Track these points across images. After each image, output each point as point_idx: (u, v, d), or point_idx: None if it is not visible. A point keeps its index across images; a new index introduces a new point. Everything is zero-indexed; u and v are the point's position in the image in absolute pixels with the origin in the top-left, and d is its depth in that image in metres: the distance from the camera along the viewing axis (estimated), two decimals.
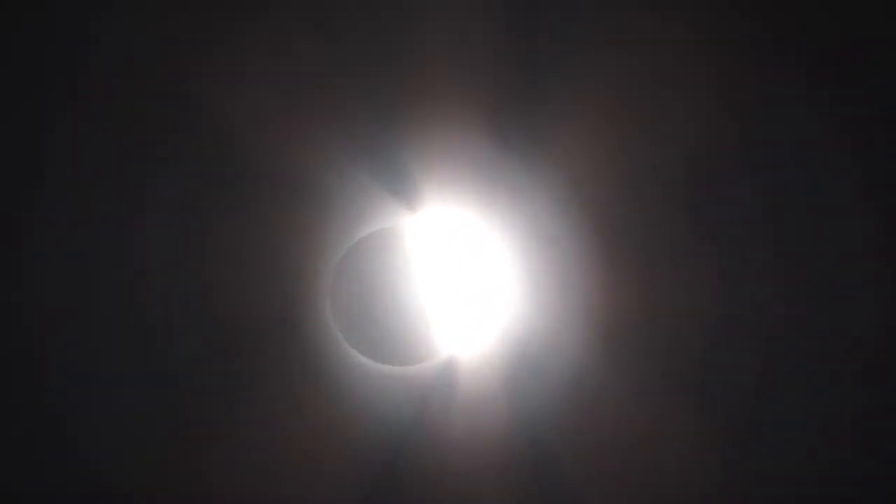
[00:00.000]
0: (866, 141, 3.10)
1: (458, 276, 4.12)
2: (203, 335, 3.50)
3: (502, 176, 3.72)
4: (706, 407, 3.44)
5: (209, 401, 3.49)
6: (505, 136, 3.48)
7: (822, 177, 3.17)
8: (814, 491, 3.34)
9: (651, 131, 3.32)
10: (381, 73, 3.31)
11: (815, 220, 3.24)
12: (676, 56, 3.19)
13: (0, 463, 3.20)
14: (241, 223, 3.56)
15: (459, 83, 3.36)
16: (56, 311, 3.23)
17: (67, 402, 3.25)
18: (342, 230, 4.04)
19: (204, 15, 3.08)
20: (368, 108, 3.41)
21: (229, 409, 3.51)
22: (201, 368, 3.49)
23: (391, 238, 4.18)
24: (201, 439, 3.44)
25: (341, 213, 3.92)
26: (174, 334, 3.45)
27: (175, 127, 3.24)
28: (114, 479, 3.34)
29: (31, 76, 3.00)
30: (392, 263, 4.17)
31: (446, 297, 4.10)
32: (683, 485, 3.44)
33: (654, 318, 3.48)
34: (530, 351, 3.87)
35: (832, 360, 3.29)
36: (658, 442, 3.47)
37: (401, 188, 3.86)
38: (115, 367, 3.30)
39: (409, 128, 3.51)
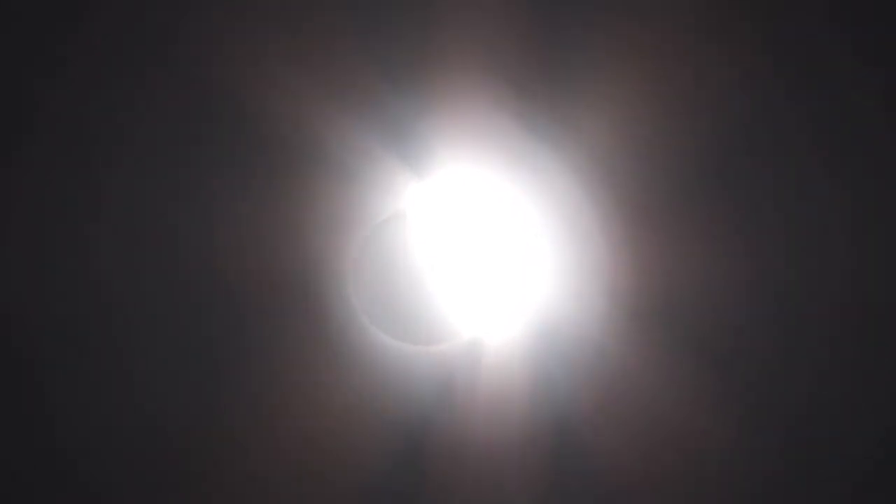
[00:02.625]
0: None
1: (481, 255, 4.09)
2: (222, 313, 3.52)
3: (528, 153, 3.72)
4: (736, 386, 3.40)
5: (228, 382, 3.50)
6: (529, 112, 3.46)
7: (853, 149, 3.15)
8: (843, 464, 3.31)
9: (678, 105, 3.29)
10: (401, 49, 3.32)
11: (845, 193, 3.21)
12: (704, 30, 3.19)
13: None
14: (261, 198, 3.57)
15: (482, 56, 3.35)
16: (58, 286, 3.29)
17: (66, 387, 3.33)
18: (366, 207, 4.06)
19: None
20: (391, 83, 3.41)
21: (246, 392, 3.52)
22: (218, 348, 3.50)
23: (414, 216, 4.17)
24: (217, 421, 3.46)
25: (365, 190, 3.93)
26: (192, 311, 3.46)
27: (190, 101, 3.26)
28: (136, 443, 3.40)
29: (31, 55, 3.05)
30: (415, 242, 4.15)
31: (470, 277, 4.08)
32: (711, 466, 3.42)
33: (683, 294, 3.44)
34: (555, 330, 3.86)
35: (863, 334, 3.27)
36: (687, 421, 3.44)
37: (424, 165, 3.86)
38: (123, 348, 3.36)
39: (433, 102, 3.50)
